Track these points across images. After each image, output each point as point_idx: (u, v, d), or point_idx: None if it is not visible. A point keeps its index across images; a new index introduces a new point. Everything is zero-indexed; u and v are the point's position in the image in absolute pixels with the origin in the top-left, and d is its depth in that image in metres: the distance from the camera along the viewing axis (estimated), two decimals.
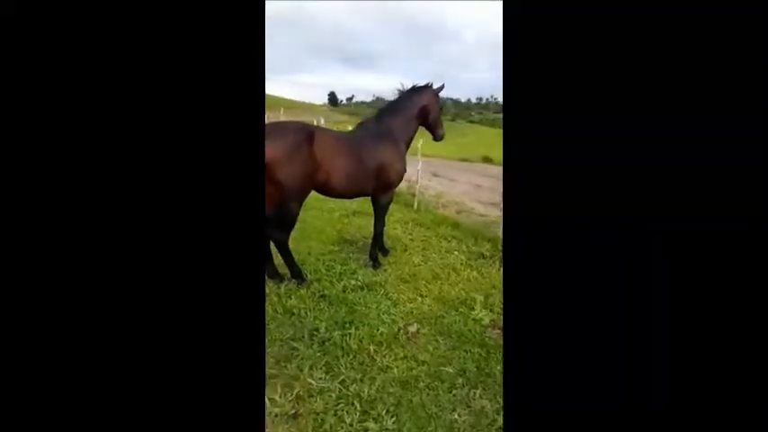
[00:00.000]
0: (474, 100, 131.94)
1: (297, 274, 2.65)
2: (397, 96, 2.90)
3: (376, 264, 3.02)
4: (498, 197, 6.87)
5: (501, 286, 2.81)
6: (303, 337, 2.06)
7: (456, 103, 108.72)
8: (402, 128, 2.86)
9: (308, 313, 2.29)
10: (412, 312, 2.39)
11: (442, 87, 3.00)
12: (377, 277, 2.81)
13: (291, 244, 2.67)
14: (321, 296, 2.50)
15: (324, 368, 1.83)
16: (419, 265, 3.15)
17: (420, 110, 2.90)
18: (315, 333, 2.09)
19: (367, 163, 2.63)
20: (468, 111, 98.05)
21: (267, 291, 2.51)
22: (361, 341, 2.04)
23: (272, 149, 2.21)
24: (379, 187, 2.80)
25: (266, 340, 2.02)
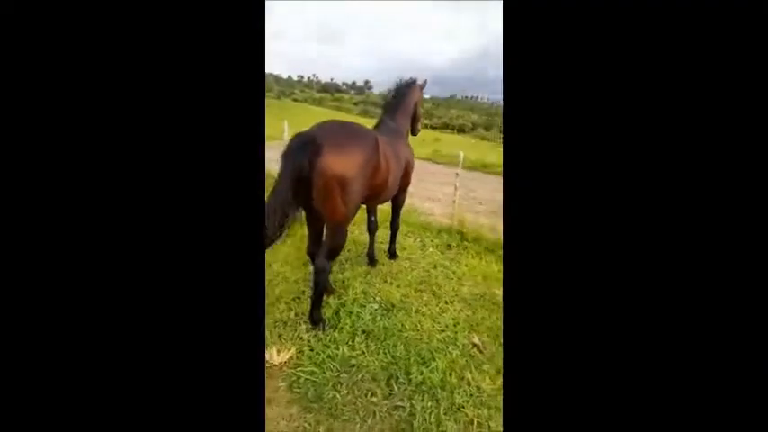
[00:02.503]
0: (295, 77, 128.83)
1: (319, 319, 2.16)
2: (396, 91, 2.69)
3: (395, 256, 3.18)
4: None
5: (494, 274, 3.05)
6: (393, 390, 1.75)
7: (277, 79, 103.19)
8: (406, 125, 2.79)
9: (371, 360, 1.93)
10: (457, 323, 2.33)
11: (425, 83, 2.90)
12: (392, 294, 2.58)
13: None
14: (363, 333, 2.13)
15: (452, 417, 1.62)
16: (413, 268, 3.05)
17: (414, 106, 2.76)
18: (402, 380, 1.80)
19: (401, 164, 2.43)
20: (291, 88, 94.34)
21: (315, 350, 1.96)
22: (451, 372, 1.88)
23: (351, 162, 1.83)
24: (401, 187, 2.66)
25: (366, 418, 1.62)
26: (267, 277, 2.70)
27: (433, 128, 56.46)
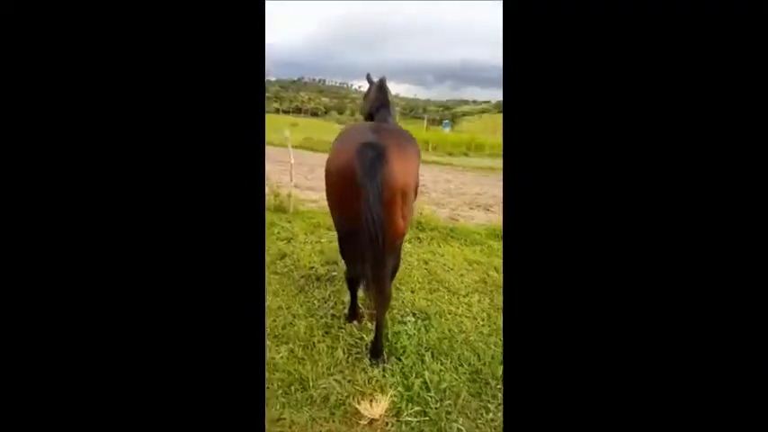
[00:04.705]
0: None
1: (381, 350, 1.92)
2: (381, 87, 2.47)
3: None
4: (308, 181, 6.54)
5: (475, 258, 3.26)
6: (498, 400, 1.73)
7: None
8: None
9: (455, 377, 1.84)
10: (489, 315, 2.43)
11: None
12: (416, 301, 2.49)
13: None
14: (426, 350, 2.01)
15: None
16: (409, 268, 2.98)
17: None
18: (498, 386, 1.79)
19: None
20: None
21: (399, 385, 1.71)
22: None
23: (411, 171, 1.72)
24: None
25: None
26: (271, 317, 2.22)
27: (285, 112, 53.97)
